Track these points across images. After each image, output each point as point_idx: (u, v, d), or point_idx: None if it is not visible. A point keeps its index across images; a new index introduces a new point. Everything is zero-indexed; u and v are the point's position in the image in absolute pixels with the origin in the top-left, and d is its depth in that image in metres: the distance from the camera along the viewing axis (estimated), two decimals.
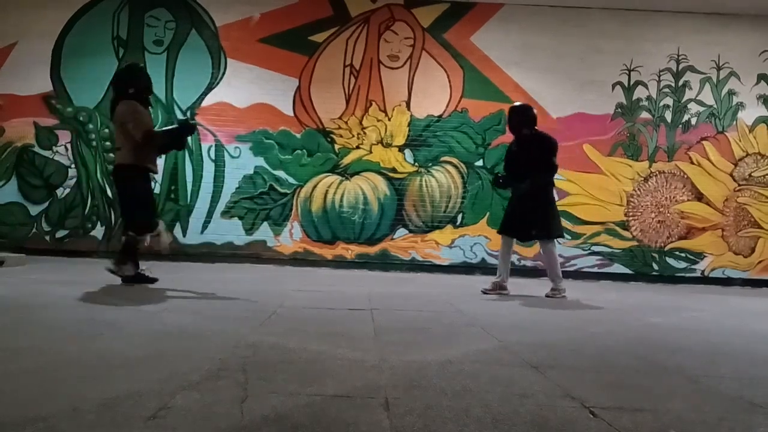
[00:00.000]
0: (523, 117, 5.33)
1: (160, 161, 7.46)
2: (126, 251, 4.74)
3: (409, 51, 7.69)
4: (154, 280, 4.78)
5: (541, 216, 5.16)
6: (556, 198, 5.56)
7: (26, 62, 7.47)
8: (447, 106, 7.64)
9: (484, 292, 5.27)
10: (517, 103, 5.82)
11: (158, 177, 7.49)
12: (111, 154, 7.50)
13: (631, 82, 7.73)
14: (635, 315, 4.46)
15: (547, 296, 5.21)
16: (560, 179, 7.60)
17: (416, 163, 7.61)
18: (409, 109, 7.63)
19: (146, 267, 4.86)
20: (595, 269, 7.65)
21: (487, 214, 7.60)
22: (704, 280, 7.65)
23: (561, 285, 5.22)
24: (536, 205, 5.14)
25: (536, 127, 5.36)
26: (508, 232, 5.36)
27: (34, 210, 7.45)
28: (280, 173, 7.55)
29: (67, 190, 7.48)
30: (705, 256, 7.72)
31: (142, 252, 4.92)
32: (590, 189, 7.66)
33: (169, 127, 5.28)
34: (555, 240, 5.40)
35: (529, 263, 7.59)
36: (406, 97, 7.65)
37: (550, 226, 5.20)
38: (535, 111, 5.44)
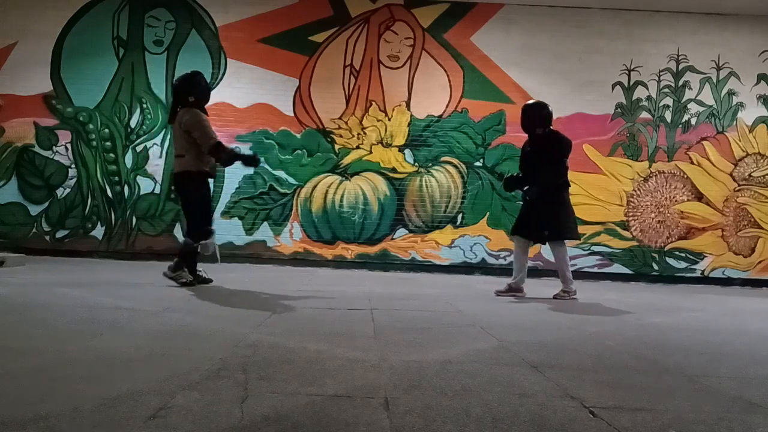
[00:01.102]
0: (534, 115, 5.19)
1: (160, 161, 7.51)
2: (183, 257, 4.78)
3: (409, 51, 7.69)
4: (209, 281, 4.83)
5: (553, 217, 5.04)
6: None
7: (26, 62, 7.48)
8: (447, 106, 7.65)
9: (498, 294, 5.15)
10: (530, 101, 5.64)
11: (158, 177, 7.51)
12: (111, 155, 7.52)
13: (631, 82, 7.73)
14: (635, 315, 4.46)
15: (555, 297, 5.13)
16: None
17: (416, 163, 7.61)
18: (409, 109, 7.64)
19: (202, 269, 4.88)
20: (595, 269, 7.65)
21: (487, 214, 7.61)
22: (704, 280, 7.65)
23: (572, 287, 5.14)
24: (547, 206, 5.02)
25: (552, 126, 5.23)
26: (518, 232, 5.25)
27: (34, 210, 7.46)
28: (280, 173, 7.56)
29: (67, 190, 7.48)
30: (705, 256, 7.72)
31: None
32: (590, 189, 7.66)
33: (239, 152, 5.43)
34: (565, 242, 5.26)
35: (529, 263, 7.57)
36: (406, 97, 7.65)
37: (560, 227, 5.08)
38: (549, 109, 5.26)
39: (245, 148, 7.33)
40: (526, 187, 5.23)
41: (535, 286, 6.44)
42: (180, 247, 4.86)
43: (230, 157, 4.92)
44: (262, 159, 7.50)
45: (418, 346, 2.83)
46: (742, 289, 7.41)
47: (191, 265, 4.82)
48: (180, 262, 4.75)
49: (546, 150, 5.12)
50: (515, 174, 5.45)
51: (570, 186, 5.24)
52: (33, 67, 7.48)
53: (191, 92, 4.84)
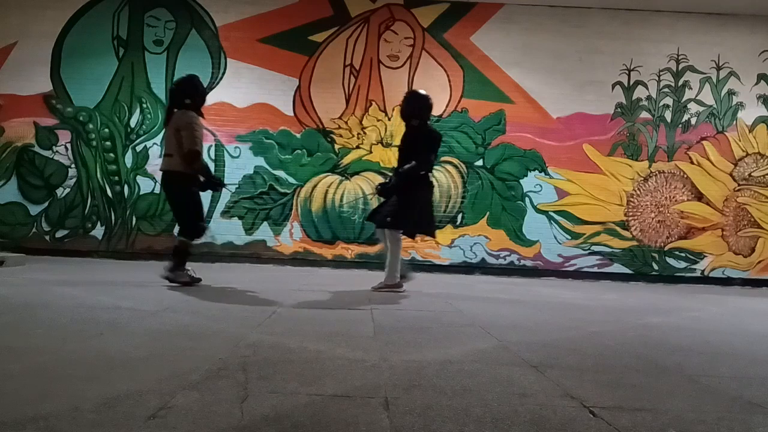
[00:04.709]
0: (415, 106, 5.15)
1: (160, 161, 7.49)
2: (179, 256, 4.79)
3: (409, 51, 7.69)
4: (198, 280, 4.83)
5: (400, 206, 4.96)
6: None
7: (26, 62, 7.48)
8: (447, 106, 7.65)
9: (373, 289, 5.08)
10: (415, 90, 5.62)
11: (158, 177, 7.48)
12: (111, 155, 7.52)
13: (631, 82, 7.73)
14: (635, 315, 4.46)
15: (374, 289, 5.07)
16: (560, 179, 7.62)
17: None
18: None
19: (190, 268, 4.89)
20: (595, 269, 7.65)
21: (487, 213, 7.60)
22: (704, 280, 7.65)
23: (396, 279, 5.07)
24: (402, 197, 4.96)
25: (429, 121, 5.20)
26: (371, 218, 5.29)
27: (34, 210, 7.46)
28: (280, 173, 7.56)
29: (67, 190, 7.48)
30: (705, 256, 7.72)
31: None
32: (590, 189, 7.66)
33: (213, 174, 5.35)
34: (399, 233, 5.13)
35: (528, 263, 7.60)
36: None
37: (400, 216, 4.97)
38: (430, 101, 5.23)
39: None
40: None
41: (535, 285, 6.45)
42: (176, 246, 4.84)
43: (202, 170, 4.90)
44: (262, 159, 7.53)
45: (418, 346, 2.83)
46: (742, 289, 7.41)
47: (183, 262, 4.81)
48: (178, 262, 4.77)
49: (416, 142, 5.05)
50: (386, 182, 5.43)
51: (432, 184, 5.18)
52: (33, 67, 7.47)
53: (189, 95, 4.86)
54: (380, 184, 5.45)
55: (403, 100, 5.28)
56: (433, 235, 5.41)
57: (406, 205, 4.94)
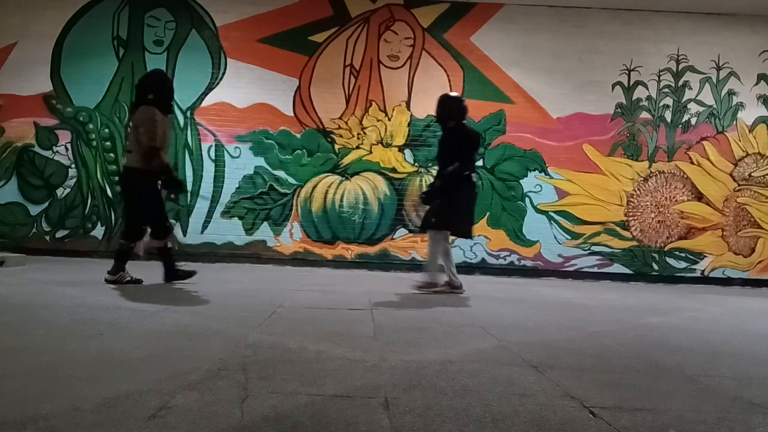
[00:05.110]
0: (450, 107, 5.20)
1: None
2: (121, 257, 4.78)
3: (409, 51, 7.69)
4: (139, 281, 4.80)
5: (444, 207, 5.00)
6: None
7: (26, 62, 7.48)
8: None
9: (418, 289, 5.16)
10: (447, 93, 5.62)
11: None
12: (111, 155, 7.52)
13: (631, 82, 7.73)
14: (635, 315, 4.46)
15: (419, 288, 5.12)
16: (560, 179, 7.62)
17: (416, 163, 7.61)
18: (409, 109, 7.64)
19: (127, 270, 4.84)
20: (595, 269, 7.65)
21: (487, 214, 7.60)
22: (704, 280, 7.65)
23: (449, 281, 5.12)
24: (446, 198, 5.00)
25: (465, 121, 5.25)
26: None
27: (34, 210, 7.46)
28: (280, 173, 7.56)
29: (67, 190, 7.48)
30: (705, 256, 7.72)
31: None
32: (590, 189, 7.66)
33: (172, 171, 5.14)
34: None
35: (528, 263, 7.60)
36: (406, 97, 7.65)
37: (446, 217, 5.01)
38: (464, 102, 5.33)
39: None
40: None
41: (535, 285, 6.45)
42: (157, 247, 4.82)
43: (160, 167, 4.77)
44: (263, 159, 7.53)
45: (418, 346, 2.83)
46: (742, 289, 7.41)
47: (124, 263, 4.80)
48: (119, 263, 4.75)
49: (454, 143, 5.09)
50: (427, 189, 5.46)
51: (475, 184, 5.21)
52: (33, 67, 7.47)
53: (152, 90, 4.80)
54: (423, 192, 5.48)
55: (437, 105, 5.30)
56: (470, 236, 5.41)
57: (451, 205, 4.99)
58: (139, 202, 4.80)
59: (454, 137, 5.10)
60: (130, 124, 4.84)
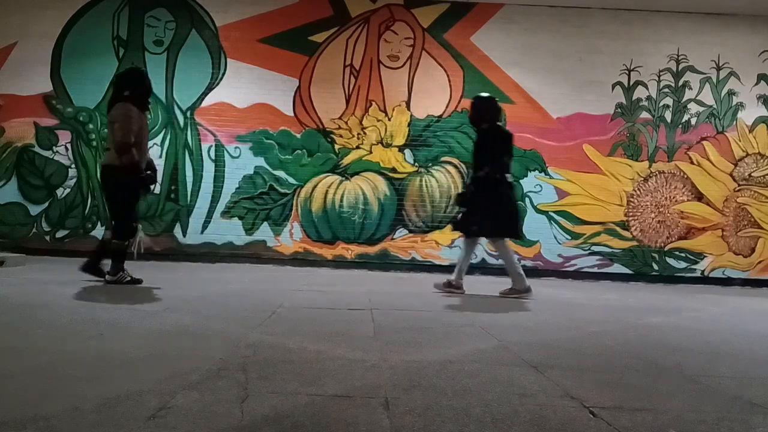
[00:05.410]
0: (483, 108, 5.21)
1: (160, 161, 7.50)
2: (119, 258, 4.78)
3: (409, 51, 7.69)
4: (103, 276, 4.79)
5: (485, 212, 5.01)
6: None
7: (26, 62, 7.48)
8: (447, 106, 7.65)
9: (436, 287, 5.13)
10: (481, 95, 5.65)
11: (158, 177, 7.48)
12: None
13: (631, 82, 7.73)
14: (635, 315, 4.46)
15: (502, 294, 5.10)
16: (560, 179, 7.62)
17: (416, 163, 7.61)
18: (409, 109, 7.64)
19: (126, 270, 4.84)
20: (595, 269, 7.65)
21: None
22: (704, 280, 7.65)
23: (523, 285, 5.08)
24: (482, 201, 5.00)
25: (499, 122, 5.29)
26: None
27: (34, 210, 7.45)
28: (280, 173, 7.55)
29: (67, 190, 7.48)
30: (705, 256, 7.72)
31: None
32: (590, 189, 7.66)
33: (138, 169, 4.91)
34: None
35: (528, 263, 7.59)
36: (406, 97, 7.65)
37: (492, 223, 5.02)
38: (497, 103, 5.34)
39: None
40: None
41: (535, 285, 6.43)
42: (112, 248, 4.78)
43: (131, 165, 4.70)
44: (263, 159, 7.53)
45: (418, 346, 2.83)
46: (742, 289, 7.41)
47: (98, 262, 4.80)
48: (118, 264, 4.75)
49: (488, 145, 5.09)
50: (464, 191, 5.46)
51: (512, 185, 5.20)
52: (33, 67, 7.47)
53: (128, 87, 4.79)
54: (460, 194, 5.50)
55: (470, 107, 5.32)
56: (519, 236, 5.42)
57: (492, 209, 4.97)
58: (116, 198, 4.78)
59: (488, 139, 5.11)
60: (108, 120, 4.81)
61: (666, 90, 7.76)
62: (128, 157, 4.68)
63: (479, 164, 5.09)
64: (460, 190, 5.93)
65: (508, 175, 5.10)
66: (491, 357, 2.69)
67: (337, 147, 7.59)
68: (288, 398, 1.90)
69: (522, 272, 5.11)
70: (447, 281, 5.14)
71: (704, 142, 7.73)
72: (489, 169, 4.96)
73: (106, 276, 4.75)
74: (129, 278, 4.75)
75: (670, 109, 7.77)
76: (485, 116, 5.17)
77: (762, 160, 7.78)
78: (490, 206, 4.96)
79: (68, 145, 7.50)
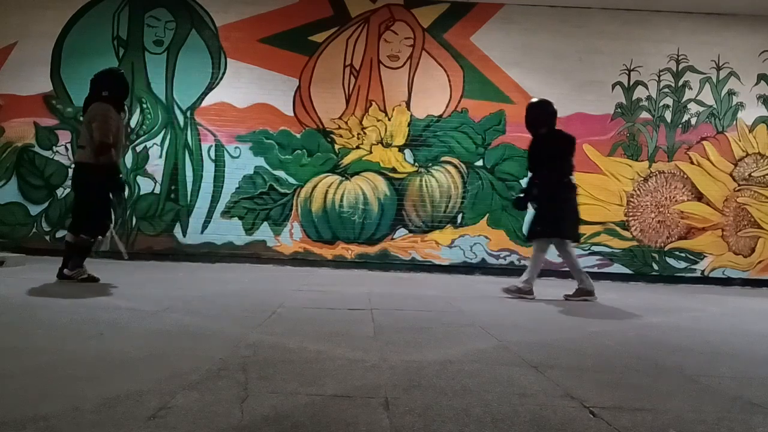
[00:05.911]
0: (538, 114, 5.23)
1: (160, 161, 7.50)
2: (81, 252, 4.78)
3: (409, 51, 7.69)
4: (96, 279, 4.78)
5: (547, 214, 5.06)
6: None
7: (26, 62, 7.48)
8: (447, 106, 7.65)
9: (505, 291, 5.10)
10: (534, 99, 5.62)
11: (158, 177, 7.50)
12: None
13: (631, 82, 7.73)
14: (635, 315, 4.46)
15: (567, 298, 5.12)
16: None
17: (416, 163, 7.61)
18: (409, 109, 7.64)
19: (85, 267, 4.83)
20: (595, 269, 7.64)
21: (487, 214, 7.60)
22: (704, 280, 7.65)
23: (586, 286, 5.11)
24: (546, 204, 5.06)
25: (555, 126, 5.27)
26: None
27: (34, 210, 7.46)
28: (280, 173, 7.55)
29: (67, 190, 7.47)
30: (705, 256, 7.72)
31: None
32: (590, 189, 7.65)
33: (119, 175, 4.99)
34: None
35: (528, 263, 7.58)
36: (406, 97, 7.65)
37: (553, 225, 5.07)
38: (553, 107, 5.30)
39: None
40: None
41: (535, 285, 6.43)
42: (78, 244, 4.76)
43: (107, 164, 4.71)
44: (263, 159, 7.53)
45: (418, 346, 2.83)
46: (742, 289, 7.41)
47: (83, 259, 4.79)
48: (79, 259, 4.74)
49: (546, 149, 5.11)
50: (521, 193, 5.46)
51: (575, 187, 5.21)
52: (33, 67, 7.47)
53: (106, 87, 4.78)
54: (517, 197, 5.49)
55: (525, 113, 5.31)
56: (578, 239, 5.43)
57: (553, 212, 5.00)
58: (91, 195, 4.75)
59: (547, 144, 5.10)
60: (85, 119, 4.78)
61: (666, 90, 7.76)
62: (107, 157, 4.70)
63: (537, 169, 5.09)
64: (516, 194, 5.92)
65: (571, 177, 5.13)
66: (491, 357, 2.69)
67: (337, 147, 7.59)
68: (288, 398, 1.90)
69: (534, 279, 5.11)
70: (515, 287, 5.06)
71: (704, 142, 7.73)
72: (549, 175, 4.98)
73: (64, 270, 4.74)
74: (86, 275, 4.73)
75: (670, 109, 7.77)
76: (542, 121, 5.17)
77: (762, 160, 7.78)
78: (552, 210, 4.99)
79: (68, 145, 7.50)
